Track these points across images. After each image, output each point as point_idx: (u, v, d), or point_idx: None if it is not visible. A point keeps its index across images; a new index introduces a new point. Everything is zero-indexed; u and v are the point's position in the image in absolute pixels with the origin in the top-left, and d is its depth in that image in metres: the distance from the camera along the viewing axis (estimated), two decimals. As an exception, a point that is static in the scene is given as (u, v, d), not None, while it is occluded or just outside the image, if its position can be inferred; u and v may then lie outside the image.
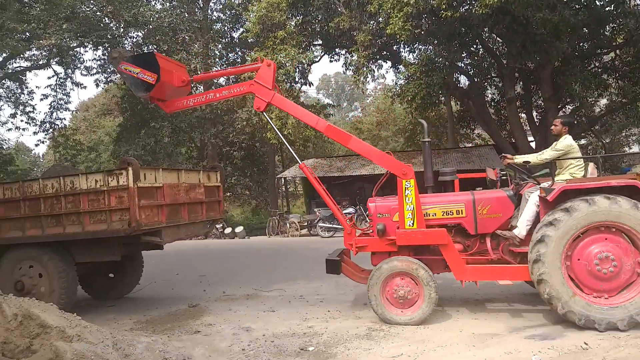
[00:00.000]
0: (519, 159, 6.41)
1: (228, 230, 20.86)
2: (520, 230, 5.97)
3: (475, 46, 18.78)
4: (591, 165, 6.45)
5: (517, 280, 6.13)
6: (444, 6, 13.24)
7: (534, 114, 20.87)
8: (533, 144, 18.74)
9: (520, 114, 20.42)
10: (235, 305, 7.66)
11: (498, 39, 18.29)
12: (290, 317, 6.71)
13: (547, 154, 6.17)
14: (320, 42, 20.95)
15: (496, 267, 6.10)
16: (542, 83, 17.67)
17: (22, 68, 22.70)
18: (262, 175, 29.17)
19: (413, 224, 6.15)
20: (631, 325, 5.24)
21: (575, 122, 19.28)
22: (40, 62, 21.90)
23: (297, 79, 20.06)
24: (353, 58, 18.24)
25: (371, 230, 6.70)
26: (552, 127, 6.46)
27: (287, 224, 20.07)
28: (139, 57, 7.44)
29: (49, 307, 4.96)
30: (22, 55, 20.85)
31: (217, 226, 20.20)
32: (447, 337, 5.45)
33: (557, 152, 6.11)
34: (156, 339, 5.68)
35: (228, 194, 29.32)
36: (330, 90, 66.88)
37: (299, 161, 7.17)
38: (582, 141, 24.34)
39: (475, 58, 19.13)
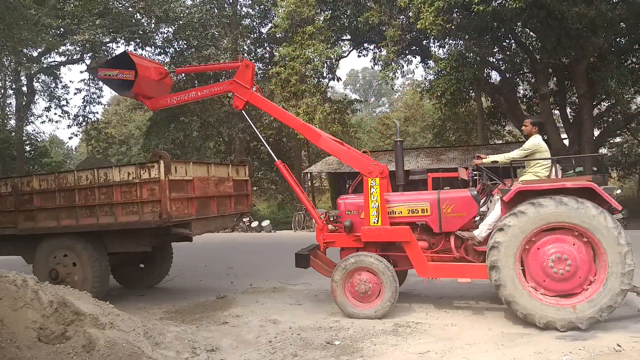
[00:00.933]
0: (490, 158, 6.51)
1: (255, 224, 21.02)
2: (480, 231, 6.10)
3: (507, 41, 18.40)
4: (558, 165, 6.53)
5: (477, 279, 6.21)
6: (476, 0, 13.01)
7: (568, 110, 20.34)
8: (566, 142, 18.29)
9: (553, 111, 19.94)
10: (262, 298, 7.73)
11: (532, 33, 17.88)
12: (316, 310, 6.74)
13: (515, 153, 6.29)
14: (348, 37, 20.86)
15: (457, 265, 6.22)
16: (576, 79, 17.21)
17: (56, 63, 23.33)
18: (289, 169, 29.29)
19: (378, 221, 6.34)
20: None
21: (615, 119, 18.74)
22: (74, 57, 22.48)
23: (324, 74, 20.02)
24: (382, 53, 18.10)
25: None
26: (523, 127, 6.56)
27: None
28: (114, 59, 7.69)
29: (83, 295, 5.09)
30: (56, 50, 21.42)
31: (244, 220, 20.37)
32: (475, 335, 5.39)
33: (524, 152, 6.21)
34: (185, 328, 5.79)
35: (254, 188, 29.52)
36: (358, 85, 66.59)
37: (275, 158, 7.33)
38: (618, 139, 23.63)
39: (508, 53, 18.74)
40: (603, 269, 5.33)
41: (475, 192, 6.37)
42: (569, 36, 14.86)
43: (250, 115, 23.41)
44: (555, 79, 19.99)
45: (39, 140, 27.78)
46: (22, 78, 22.46)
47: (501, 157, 6.37)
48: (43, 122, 49.51)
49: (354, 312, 6.23)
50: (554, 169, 6.22)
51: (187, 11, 20.74)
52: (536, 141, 6.20)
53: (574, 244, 5.43)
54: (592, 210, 5.29)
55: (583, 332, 5.32)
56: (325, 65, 18.94)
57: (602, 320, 5.27)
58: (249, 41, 24.90)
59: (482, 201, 6.44)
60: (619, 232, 5.25)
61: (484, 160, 6.49)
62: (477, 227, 6.23)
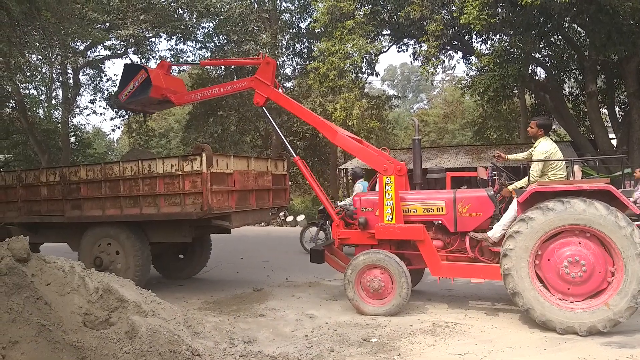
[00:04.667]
0: (512, 157, 6.47)
1: (290, 218, 21.11)
2: (495, 232, 6.01)
3: (554, 37, 17.76)
4: (577, 167, 6.35)
5: (490, 280, 6.14)
6: (523, -6, 12.60)
7: (617, 109, 19.53)
8: (614, 142, 17.58)
9: (601, 110, 19.17)
10: (298, 292, 7.76)
11: (580, 29, 17.21)
12: (352, 307, 6.67)
13: (536, 167, 5.93)
14: (388, 32, 20.59)
15: (471, 265, 6.15)
16: (626, 77, 16.47)
17: (101, 57, 23.99)
18: (324, 165, 29.29)
19: (392, 219, 6.32)
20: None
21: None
22: (119, 52, 23.06)
23: (363, 70, 19.84)
24: (422, 48, 17.79)
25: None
26: (528, 128, 6.36)
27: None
28: (122, 79, 8.01)
29: (126, 283, 5.21)
30: (102, 45, 22.04)
31: (280, 214, 20.48)
32: (516, 338, 5.25)
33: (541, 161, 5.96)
34: (223, 319, 5.87)
35: (290, 183, 29.66)
36: (396, 81, 65.92)
37: (293, 154, 7.33)
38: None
39: (554, 49, 18.09)
40: (619, 262, 5.22)
41: (492, 192, 6.30)
42: (620, 32, 14.21)
43: (283, 112, 23.69)
44: (603, 76, 19.23)
45: (84, 132, 28.66)
46: (69, 71, 23.19)
47: (519, 156, 6.36)
48: (89, 114, 51.06)
49: (367, 309, 6.23)
50: (573, 170, 6.11)
51: (227, 6, 20.94)
52: (545, 148, 5.99)
53: (579, 243, 5.35)
54: (602, 210, 5.18)
55: (630, 338, 5.15)
56: (365, 60, 18.75)
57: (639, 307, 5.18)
58: (287, 36, 24.95)
59: (499, 201, 6.35)
60: (632, 230, 5.13)
61: (509, 156, 6.44)
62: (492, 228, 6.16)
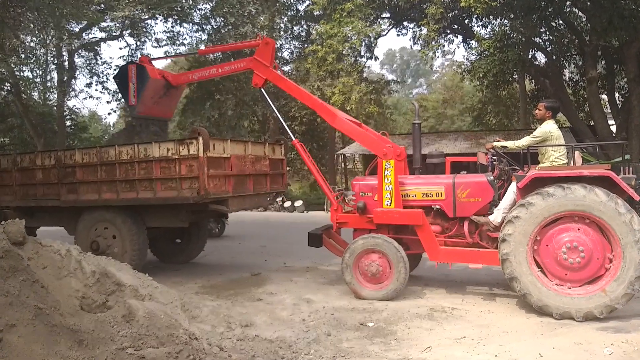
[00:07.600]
0: (499, 144, 6.38)
1: (287, 203, 21.12)
2: (496, 216, 6.00)
3: (555, 21, 17.59)
4: (577, 153, 6.34)
5: (488, 265, 6.14)
6: (523, -23, 12.46)
7: (616, 95, 19.43)
8: (614, 128, 17.53)
9: (601, 95, 19.08)
10: (295, 277, 7.77)
11: (581, 13, 17.04)
12: (349, 291, 6.68)
13: (525, 140, 6.08)
14: (388, 15, 20.37)
15: (469, 250, 6.16)
16: (627, 62, 16.34)
17: (96, 39, 23.66)
18: (322, 151, 29.20)
19: (391, 203, 6.31)
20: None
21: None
22: (114, 34, 22.76)
23: (362, 53, 19.68)
24: (422, 32, 17.63)
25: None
26: (536, 110, 6.34)
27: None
28: (121, 90, 8.27)
29: (123, 267, 5.20)
30: (97, 27, 21.72)
31: (277, 199, 20.49)
32: (513, 323, 5.28)
33: (534, 139, 6.00)
34: (220, 303, 5.89)
35: (288, 168, 29.57)
36: (395, 65, 65.48)
37: (292, 137, 7.33)
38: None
39: (555, 34, 17.93)
40: (617, 249, 5.22)
41: (492, 178, 6.28)
42: (621, 17, 14.06)
43: (281, 95, 23.52)
44: (604, 61, 19.09)
45: (80, 115, 28.43)
46: (64, 53, 22.91)
47: (511, 144, 6.27)
48: (84, 98, 50.74)
49: (364, 293, 6.25)
50: (574, 156, 6.09)
51: (224, -13, 20.65)
52: (547, 128, 5.96)
53: (578, 229, 5.35)
54: (603, 196, 5.17)
55: (626, 323, 5.18)
56: (363, 43, 18.58)
57: (636, 294, 5.20)
58: (285, 18, 24.65)
59: (499, 187, 6.32)
60: (631, 217, 5.12)
61: (494, 144, 6.40)
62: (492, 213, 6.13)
